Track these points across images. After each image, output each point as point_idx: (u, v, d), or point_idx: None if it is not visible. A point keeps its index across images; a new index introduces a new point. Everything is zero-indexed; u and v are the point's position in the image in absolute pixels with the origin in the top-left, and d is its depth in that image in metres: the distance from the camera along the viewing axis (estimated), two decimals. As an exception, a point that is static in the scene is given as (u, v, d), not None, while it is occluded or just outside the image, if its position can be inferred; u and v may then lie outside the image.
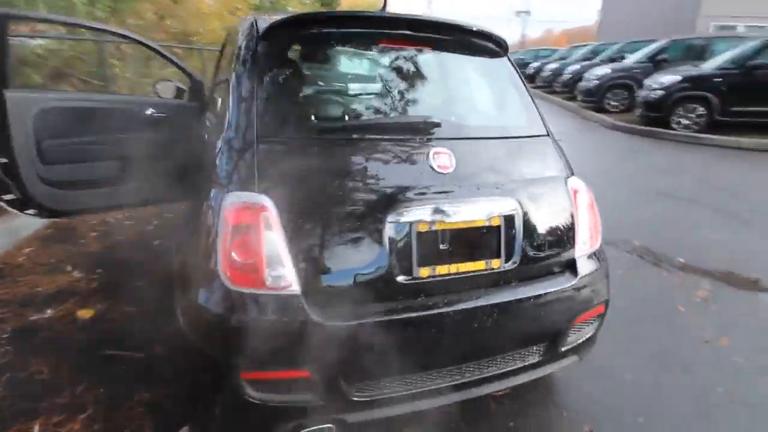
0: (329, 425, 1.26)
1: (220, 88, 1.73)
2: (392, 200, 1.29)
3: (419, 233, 1.29)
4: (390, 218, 1.27)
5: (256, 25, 1.49)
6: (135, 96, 2.81)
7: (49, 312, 2.24)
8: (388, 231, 1.27)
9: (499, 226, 1.38)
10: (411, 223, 1.28)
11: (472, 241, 1.36)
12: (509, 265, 1.40)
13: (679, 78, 7.28)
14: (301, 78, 1.44)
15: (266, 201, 1.21)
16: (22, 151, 2.21)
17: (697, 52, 8.94)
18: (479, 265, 1.36)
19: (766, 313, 2.45)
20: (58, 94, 2.54)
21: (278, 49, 1.46)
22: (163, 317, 2.13)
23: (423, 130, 1.44)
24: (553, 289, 1.42)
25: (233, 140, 1.34)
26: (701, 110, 7.04)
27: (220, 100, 1.68)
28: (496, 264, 1.38)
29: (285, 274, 1.18)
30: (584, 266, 1.52)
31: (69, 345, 2.00)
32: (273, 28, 1.45)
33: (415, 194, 1.32)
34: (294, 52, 1.50)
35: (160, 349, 1.99)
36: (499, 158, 1.51)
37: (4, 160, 2.24)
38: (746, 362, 2.03)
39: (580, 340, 1.58)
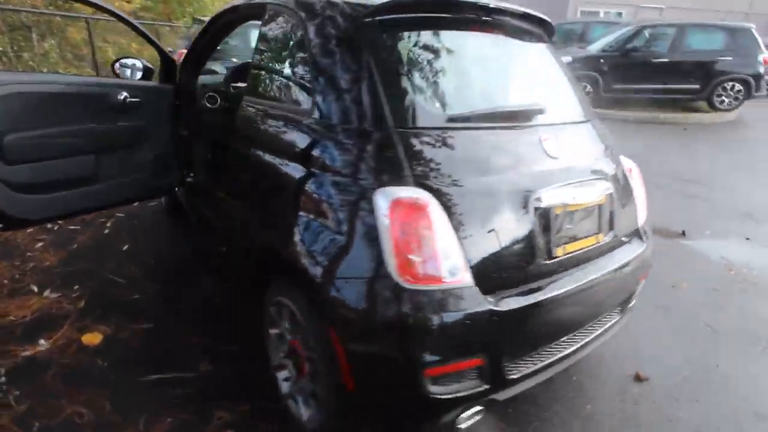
0: (481, 407, 1.29)
1: (292, 75, 1.56)
2: (530, 185, 1.34)
3: (556, 215, 1.36)
4: (533, 203, 1.32)
5: (353, 6, 1.39)
6: (104, 78, 2.34)
7: (43, 343, 1.85)
8: (533, 215, 1.32)
9: (603, 205, 1.51)
10: (550, 207, 1.35)
11: (587, 220, 1.46)
12: (608, 238, 1.54)
13: (570, 59, 8.17)
14: (414, 65, 1.37)
15: (427, 194, 1.18)
16: None
17: (577, 35, 10.11)
18: (591, 241, 1.47)
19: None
20: (16, 75, 2.02)
21: (386, 32, 1.37)
22: (190, 329, 1.93)
23: (530, 117, 1.49)
24: (635, 255, 1.60)
25: (355, 132, 1.25)
26: (589, 88, 8.03)
27: (296, 89, 1.52)
28: (601, 238, 1.51)
29: (458, 266, 1.17)
30: (646, 233, 1.73)
31: (93, 377, 1.69)
32: (381, 10, 1.36)
33: (545, 179, 1.38)
34: (401, 37, 1.42)
35: (207, 364, 1.79)
36: (583, 142, 1.63)
37: None
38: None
39: (634, 299, 1.79)
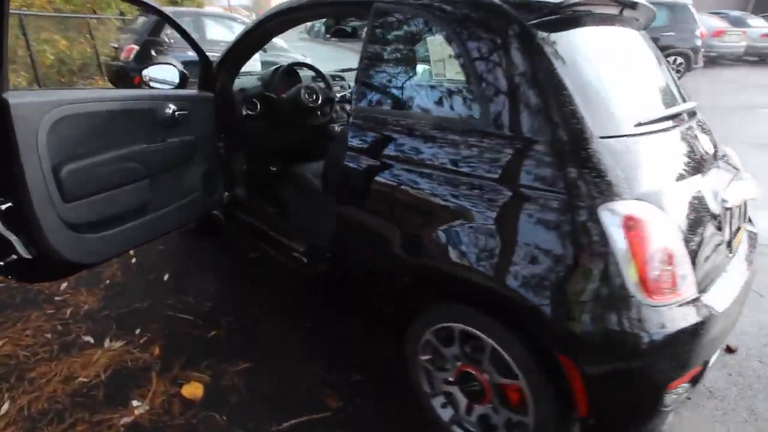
0: None
1: (449, 84, 1.40)
2: (714, 184, 1.34)
3: (731, 211, 1.37)
4: (723, 203, 1.32)
5: (519, 5, 1.27)
6: (146, 90, 2.00)
7: (139, 404, 1.59)
8: (722, 214, 1.33)
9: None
10: (732, 203, 1.35)
11: (741, 213, 1.50)
12: (749, 226, 1.58)
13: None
14: (590, 68, 1.29)
15: (652, 206, 1.13)
16: (35, 186, 1.47)
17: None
18: (741, 231, 1.51)
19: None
20: (69, 93, 1.66)
21: (556, 33, 1.27)
22: (296, 362, 1.76)
23: (686, 114, 1.48)
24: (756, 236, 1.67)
25: (554, 144, 1.16)
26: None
27: (457, 99, 1.37)
28: (745, 227, 1.55)
29: (688, 275, 1.14)
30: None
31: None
32: (561, 7, 1.26)
33: (719, 175, 1.38)
34: (568, 37, 1.31)
35: (335, 399, 1.64)
36: (712, 135, 1.64)
37: (7, 204, 1.46)
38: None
39: None
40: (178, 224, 2.08)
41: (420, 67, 1.47)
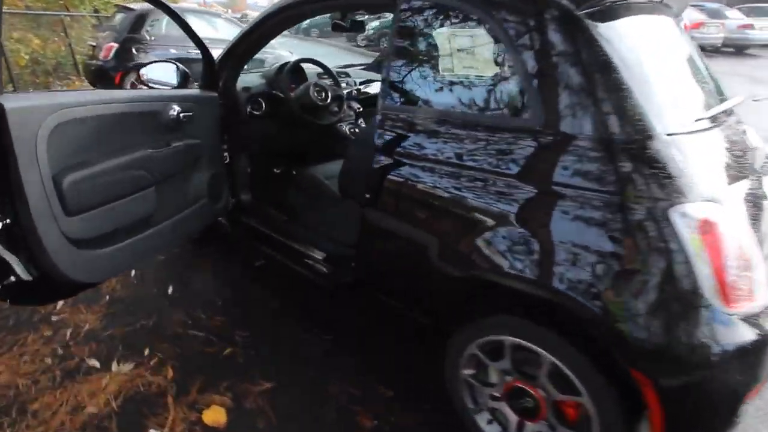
0: None
1: (488, 78, 1.29)
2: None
3: None
4: None
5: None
6: (147, 90, 1.84)
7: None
8: None
9: None
10: None
11: None
12: None
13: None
14: (643, 60, 1.20)
15: (725, 208, 1.07)
16: (35, 199, 1.33)
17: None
18: None
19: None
20: (68, 95, 1.50)
21: (607, 23, 1.19)
22: (317, 379, 1.66)
23: (729, 110, 1.41)
24: None
25: (613, 143, 1.08)
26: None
27: (496, 95, 1.27)
28: None
29: (763, 278, 1.07)
30: None
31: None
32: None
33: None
34: (617, 28, 1.23)
35: (369, 419, 1.54)
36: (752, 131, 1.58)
37: (4, 221, 1.32)
38: None
39: None
40: (186, 235, 1.94)
41: (458, 62, 1.37)
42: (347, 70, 2.87)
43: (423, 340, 1.63)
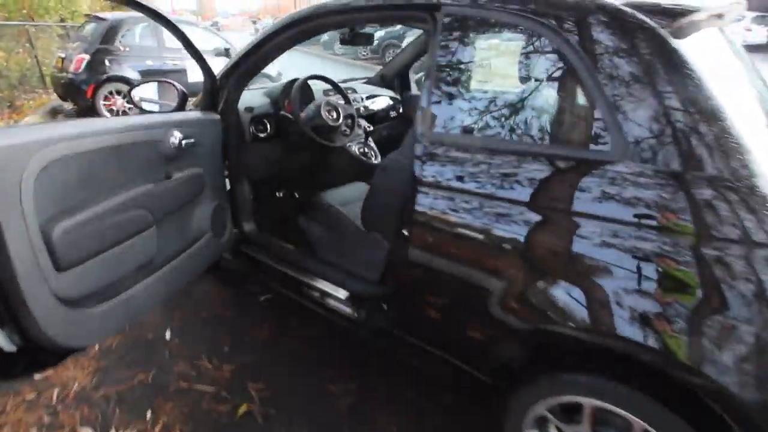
0: None
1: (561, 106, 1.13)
2: None
3: None
4: None
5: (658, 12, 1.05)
6: (142, 116, 1.59)
7: None
8: None
9: None
10: None
11: None
12: None
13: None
14: (723, 78, 1.07)
15: None
16: (21, 256, 1.11)
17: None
18: None
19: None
20: (56, 128, 1.25)
21: (688, 40, 1.05)
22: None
23: None
24: None
25: (740, 176, 0.94)
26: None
27: (575, 125, 1.11)
28: None
29: None
30: None
31: None
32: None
33: None
34: (698, 45, 1.09)
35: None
36: None
37: None
38: None
39: None
40: (189, 277, 1.72)
41: (519, 86, 1.20)
42: (352, 85, 2.69)
43: (470, 392, 1.45)
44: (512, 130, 1.18)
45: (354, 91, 2.57)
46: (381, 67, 3.05)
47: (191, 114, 1.76)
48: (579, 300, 1.05)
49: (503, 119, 1.19)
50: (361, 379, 1.76)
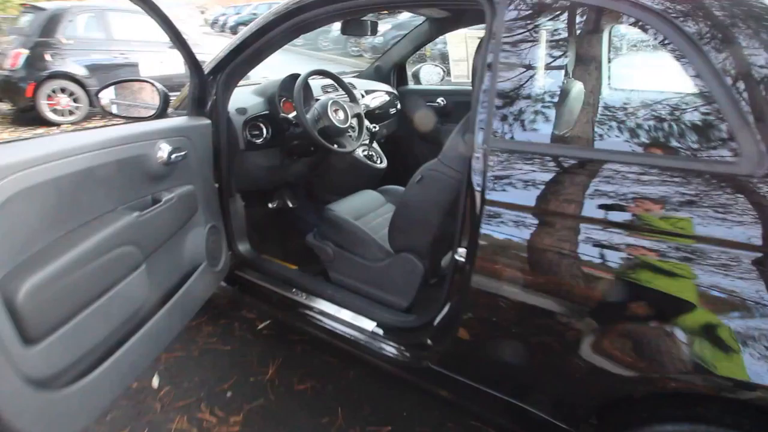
0: None
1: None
2: None
3: None
4: None
5: None
6: (127, 126, 1.26)
7: None
8: None
9: None
10: None
11: None
12: None
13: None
14: None
15: None
16: None
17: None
18: None
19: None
20: (15, 151, 0.92)
21: None
22: None
23: None
24: None
25: None
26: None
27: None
28: None
29: None
30: None
31: None
32: None
33: None
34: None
35: None
36: None
37: None
38: None
39: None
40: (186, 321, 1.43)
41: (623, 84, 0.99)
42: (345, 79, 2.42)
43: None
44: (609, 135, 0.96)
45: (352, 86, 2.31)
46: (344, 58, 2.78)
47: (179, 120, 1.45)
48: (707, 344, 0.86)
49: (596, 123, 0.98)
50: (396, 423, 1.53)
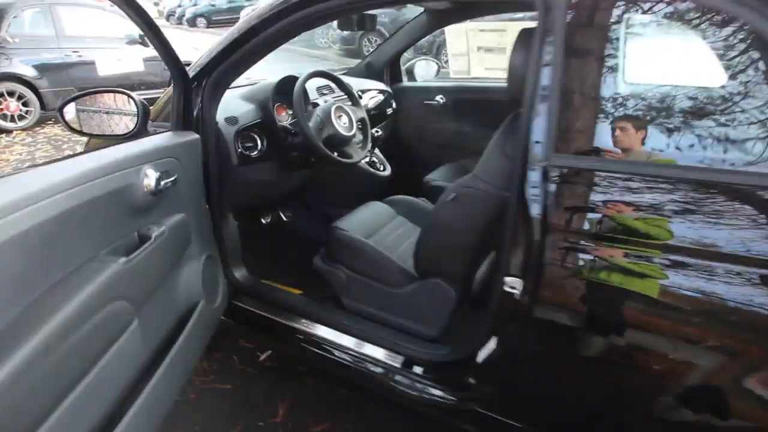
0: None
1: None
2: None
3: None
4: None
5: None
6: (105, 152, 1.02)
7: None
8: None
9: None
10: None
11: None
12: None
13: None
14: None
15: None
16: None
17: None
18: None
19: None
20: None
21: None
22: None
23: None
24: None
25: None
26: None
27: None
28: None
29: None
30: None
31: None
32: None
33: None
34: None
35: None
36: None
37: None
38: None
39: None
40: (187, 375, 1.22)
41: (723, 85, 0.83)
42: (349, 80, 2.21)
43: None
44: (709, 152, 0.81)
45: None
46: (349, 59, 2.58)
47: (164, 138, 1.22)
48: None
49: (697, 135, 0.83)
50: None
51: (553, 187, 0.89)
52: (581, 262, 0.90)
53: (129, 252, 0.99)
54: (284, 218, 2.00)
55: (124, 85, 5.06)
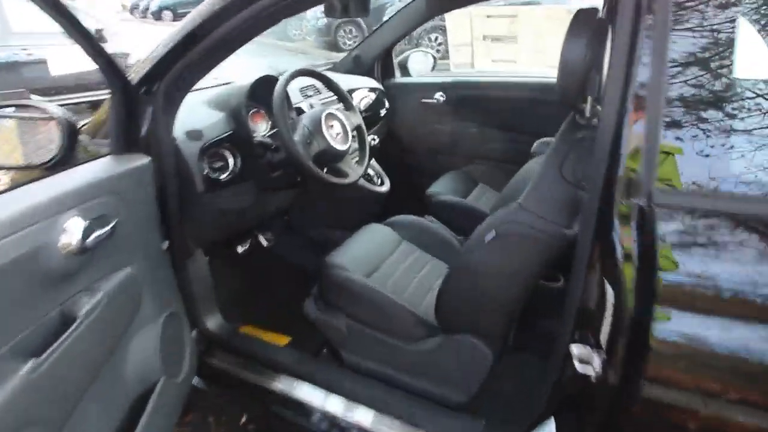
0: None
1: None
2: None
3: None
4: None
5: None
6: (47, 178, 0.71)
7: None
8: None
9: None
10: None
11: None
12: None
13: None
14: None
15: None
16: None
17: None
18: None
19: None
20: None
21: None
22: None
23: None
24: None
25: None
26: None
27: None
28: None
29: None
30: None
31: None
32: None
33: None
34: None
35: None
36: None
37: None
38: None
39: None
40: None
41: None
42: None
43: None
44: None
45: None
46: (329, 52, 2.25)
47: (98, 167, 0.90)
48: None
49: None
50: None
51: (658, 233, 0.61)
52: (707, 336, 0.62)
53: (45, 344, 0.68)
54: (264, 243, 1.69)
55: (81, 85, 4.64)
